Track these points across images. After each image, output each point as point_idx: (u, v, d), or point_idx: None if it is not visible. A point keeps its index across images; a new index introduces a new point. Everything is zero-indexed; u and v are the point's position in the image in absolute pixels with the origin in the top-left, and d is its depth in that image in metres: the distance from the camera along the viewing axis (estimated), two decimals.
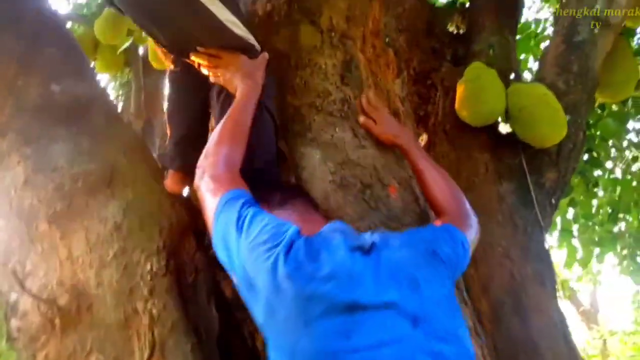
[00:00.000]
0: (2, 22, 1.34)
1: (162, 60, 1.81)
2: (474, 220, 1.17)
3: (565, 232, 3.31)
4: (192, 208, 1.36)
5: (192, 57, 1.21)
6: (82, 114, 1.31)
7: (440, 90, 2.39)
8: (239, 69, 1.19)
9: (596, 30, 2.20)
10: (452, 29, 2.68)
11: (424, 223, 1.22)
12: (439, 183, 1.19)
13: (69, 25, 3.46)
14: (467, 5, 2.70)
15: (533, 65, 4.52)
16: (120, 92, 3.44)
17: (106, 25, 2.78)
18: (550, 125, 1.99)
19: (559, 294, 7.86)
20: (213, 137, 1.11)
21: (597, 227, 3.26)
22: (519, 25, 2.83)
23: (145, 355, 1.04)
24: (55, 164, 1.22)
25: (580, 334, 7.37)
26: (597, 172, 3.34)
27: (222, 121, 1.13)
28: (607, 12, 2.16)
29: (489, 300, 1.82)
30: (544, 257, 1.93)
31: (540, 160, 2.09)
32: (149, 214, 1.23)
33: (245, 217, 0.92)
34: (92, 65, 1.52)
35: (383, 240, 0.94)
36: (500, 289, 1.81)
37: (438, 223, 1.12)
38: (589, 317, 7.41)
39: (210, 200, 0.99)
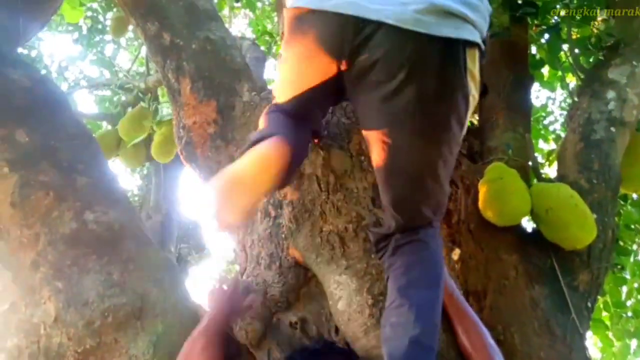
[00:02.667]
0: (41, 151, 1.37)
1: (166, 155, 1.85)
2: None
3: (598, 323, 3.16)
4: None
5: None
6: (113, 242, 1.30)
7: (461, 188, 2.39)
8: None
9: (612, 129, 2.24)
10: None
11: None
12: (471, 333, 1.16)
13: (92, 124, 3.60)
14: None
15: (543, 145, 4.62)
16: (140, 185, 3.50)
17: (130, 125, 2.89)
18: (580, 227, 1.95)
19: None
20: None
21: (630, 317, 3.12)
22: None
23: None
24: (87, 298, 1.20)
25: None
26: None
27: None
28: (621, 112, 2.21)
29: None
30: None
31: (572, 262, 2.03)
32: (180, 346, 1.18)
33: None
34: (123, 190, 1.54)
35: None
36: None
37: None
38: None
39: None
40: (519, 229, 2.19)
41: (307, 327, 1.27)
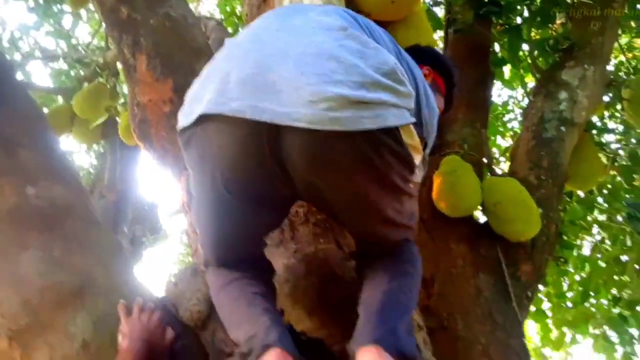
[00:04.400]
0: None
1: (134, 137, 1.80)
2: None
3: (539, 312, 3.33)
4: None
5: None
6: (56, 218, 1.26)
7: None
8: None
9: (563, 128, 2.34)
10: None
11: None
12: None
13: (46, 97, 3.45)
14: None
15: (501, 142, 4.77)
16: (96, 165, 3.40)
17: (85, 101, 2.79)
18: (525, 222, 2.04)
19: None
20: None
21: (569, 307, 3.30)
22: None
23: None
24: (24, 275, 1.16)
25: None
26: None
27: None
28: (572, 113, 2.31)
29: None
30: (523, 354, 1.92)
31: (516, 253, 2.12)
32: None
33: None
34: (73, 165, 1.48)
35: None
36: None
37: None
38: None
39: None
40: (470, 220, 2.26)
41: None
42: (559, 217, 2.33)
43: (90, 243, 1.29)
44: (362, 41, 1.03)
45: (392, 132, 0.98)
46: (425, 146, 1.15)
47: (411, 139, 1.03)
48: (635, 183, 2.87)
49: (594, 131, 2.69)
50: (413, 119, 1.02)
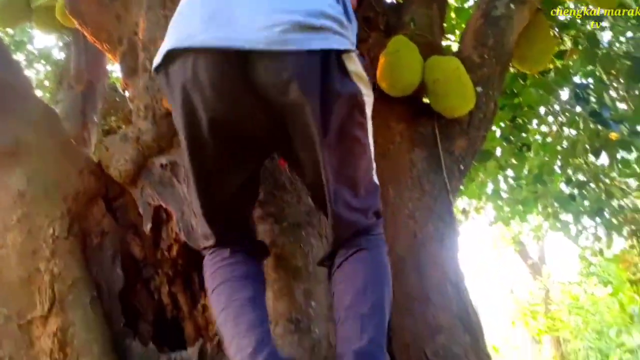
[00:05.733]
0: None
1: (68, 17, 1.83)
2: None
3: (495, 193, 3.55)
4: (102, 175, 1.47)
5: None
6: None
7: (367, 61, 2.48)
8: None
9: (512, 6, 2.32)
10: None
11: None
12: None
13: None
14: None
15: None
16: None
17: None
18: (459, 97, 2.13)
19: (510, 248, 8.28)
20: None
21: (523, 189, 3.51)
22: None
23: (46, 308, 1.18)
24: None
25: (526, 285, 7.90)
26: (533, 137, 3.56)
27: None
28: None
29: (392, 259, 2.01)
30: (447, 217, 2.12)
31: (452, 129, 2.24)
32: (54, 182, 1.34)
33: None
34: (4, 41, 1.56)
35: None
36: (402, 247, 1.99)
37: None
38: (536, 269, 7.92)
39: None
40: (412, 101, 2.35)
41: (177, 169, 1.44)
42: (512, 93, 2.40)
43: (24, 112, 1.42)
44: None
45: (338, 57, 1.09)
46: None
47: (355, 65, 1.14)
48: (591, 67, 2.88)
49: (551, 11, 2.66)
50: (355, 49, 1.14)
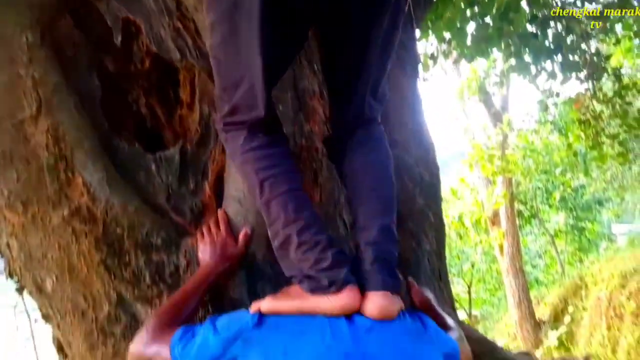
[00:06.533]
0: None
1: None
2: None
3: (461, 31, 3.60)
4: None
5: None
6: None
7: None
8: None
9: None
10: None
11: None
12: None
13: None
14: None
15: None
16: None
17: None
18: None
19: (474, 97, 8.56)
20: None
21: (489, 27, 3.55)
22: None
23: (34, 109, 1.28)
24: None
25: (488, 132, 8.40)
26: None
27: None
28: None
29: None
30: (409, 46, 2.21)
31: None
32: None
33: None
34: None
35: None
36: None
37: None
38: (497, 117, 8.34)
39: None
40: None
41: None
42: None
43: None
44: None
45: None
46: None
47: None
48: None
49: None
50: None
